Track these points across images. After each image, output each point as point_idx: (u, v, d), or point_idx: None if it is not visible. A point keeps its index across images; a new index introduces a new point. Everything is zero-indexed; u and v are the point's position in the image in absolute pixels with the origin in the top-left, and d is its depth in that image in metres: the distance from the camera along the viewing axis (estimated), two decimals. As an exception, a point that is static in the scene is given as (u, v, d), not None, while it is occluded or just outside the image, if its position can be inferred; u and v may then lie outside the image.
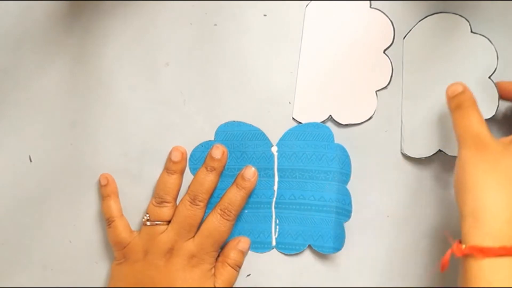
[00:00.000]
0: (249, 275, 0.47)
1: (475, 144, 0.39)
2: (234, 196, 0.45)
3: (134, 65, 0.47)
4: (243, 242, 0.46)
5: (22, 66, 0.48)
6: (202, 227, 0.45)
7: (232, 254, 0.45)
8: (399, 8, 0.46)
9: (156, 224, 0.45)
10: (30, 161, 0.48)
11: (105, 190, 0.47)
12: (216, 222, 0.45)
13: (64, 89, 0.48)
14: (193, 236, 0.45)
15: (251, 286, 0.47)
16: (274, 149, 0.47)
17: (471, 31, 0.41)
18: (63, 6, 0.47)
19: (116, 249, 0.46)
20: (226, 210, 0.45)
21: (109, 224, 0.46)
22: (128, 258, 0.45)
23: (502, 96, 0.44)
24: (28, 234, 0.48)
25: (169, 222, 0.45)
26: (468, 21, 0.42)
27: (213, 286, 0.44)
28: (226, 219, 0.45)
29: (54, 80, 0.48)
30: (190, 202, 0.45)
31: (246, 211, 0.47)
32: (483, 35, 0.41)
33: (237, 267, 0.46)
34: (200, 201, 0.45)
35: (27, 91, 0.48)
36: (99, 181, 0.47)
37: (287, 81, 0.47)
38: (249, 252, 0.47)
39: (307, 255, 0.46)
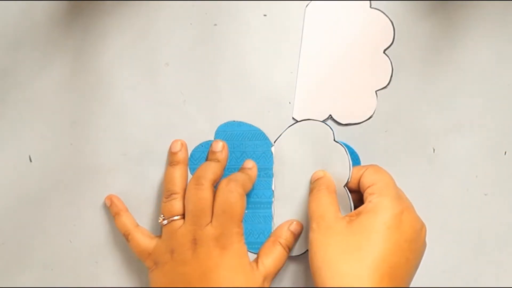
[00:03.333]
0: (249, 275, 0.47)
1: (319, 226, 0.40)
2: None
3: (134, 65, 0.47)
4: (296, 224, 0.45)
5: (22, 66, 0.48)
6: (214, 208, 0.43)
7: (284, 234, 0.45)
8: (399, 8, 0.46)
9: (173, 220, 0.44)
10: (30, 161, 0.48)
11: (112, 209, 0.47)
12: (223, 195, 0.43)
13: (64, 89, 0.48)
14: (211, 221, 0.43)
15: (251, 286, 0.47)
16: (274, 149, 0.47)
17: (334, 140, 0.45)
18: (63, 6, 0.47)
19: (143, 259, 0.45)
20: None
21: (127, 239, 0.46)
22: (158, 262, 0.44)
23: (361, 189, 0.43)
24: (28, 234, 0.48)
25: (183, 215, 0.44)
26: (332, 130, 0.45)
27: (253, 263, 0.44)
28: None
29: (54, 80, 0.48)
30: (195, 184, 0.44)
31: (246, 211, 0.47)
32: (342, 145, 0.44)
33: (288, 248, 0.45)
34: (204, 181, 0.43)
35: (27, 91, 0.48)
36: (105, 203, 0.47)
37: (287, 81, 0.47)
38: (249, 252, 0.47)
39: (308, 255, 0.46)
